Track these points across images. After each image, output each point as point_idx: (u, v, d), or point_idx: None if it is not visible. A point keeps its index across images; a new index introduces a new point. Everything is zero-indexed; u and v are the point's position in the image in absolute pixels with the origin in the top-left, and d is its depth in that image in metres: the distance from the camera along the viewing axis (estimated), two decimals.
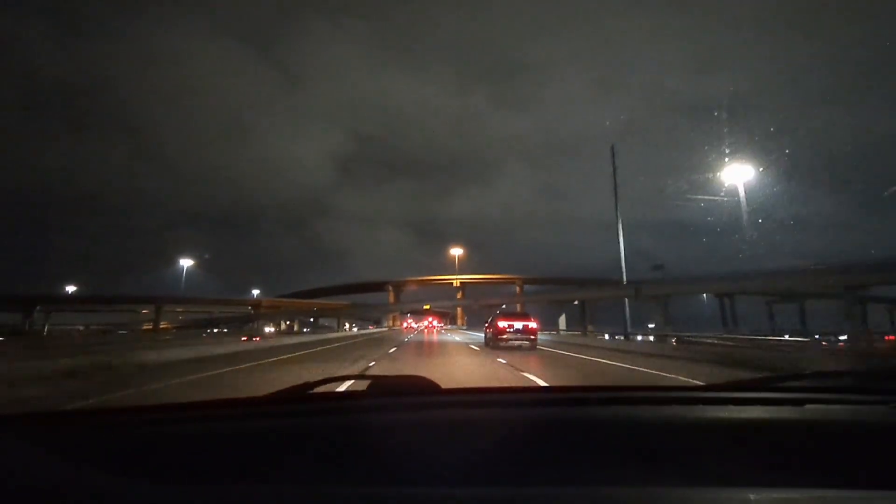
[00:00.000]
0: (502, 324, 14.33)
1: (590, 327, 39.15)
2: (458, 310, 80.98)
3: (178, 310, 70.00)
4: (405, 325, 71.91)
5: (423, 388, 0.98)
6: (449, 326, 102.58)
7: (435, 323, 67.72)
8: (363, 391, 0.95)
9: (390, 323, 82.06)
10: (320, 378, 1.03)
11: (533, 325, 14.48)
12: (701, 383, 1.27)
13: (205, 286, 77.36)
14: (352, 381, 1.12)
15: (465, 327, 64.80)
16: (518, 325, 14.30)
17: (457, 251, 79.51)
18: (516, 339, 14.20)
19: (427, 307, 47.99)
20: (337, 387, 1.18)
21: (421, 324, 71.39)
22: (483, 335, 18.77)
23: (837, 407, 0.90)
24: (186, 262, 67.03)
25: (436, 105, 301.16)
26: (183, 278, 64.54)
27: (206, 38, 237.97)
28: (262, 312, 71.88)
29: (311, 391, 0.96)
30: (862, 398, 0.95)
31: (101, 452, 0.69)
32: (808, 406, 0.87)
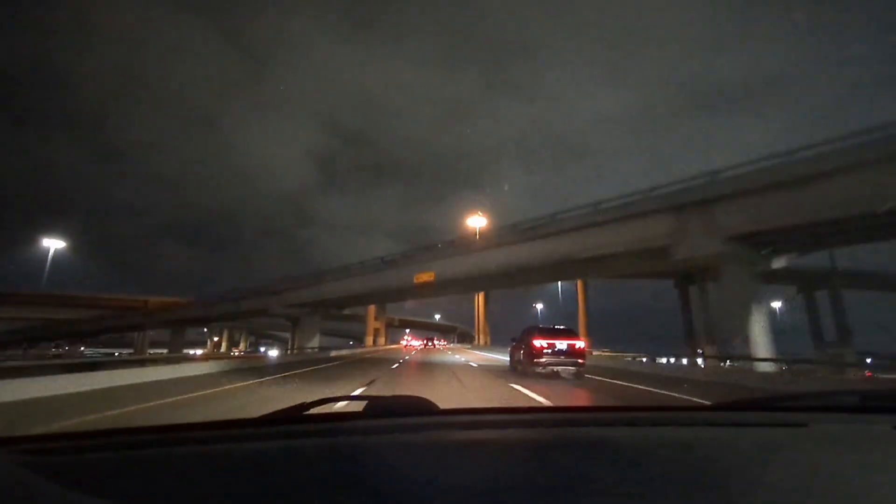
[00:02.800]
0: (539, 342, 11.08)
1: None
2: (479, 317, 53.06)
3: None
4: (404, 343, 66.54)
5: (420, 409, 1.01)
6: (452, 344, 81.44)
7: (435, 342, 60.61)
8: (360, 412, 0.98)
9: (369, 341, 54.87)
10: (316, 399, 1.06)
11: (581, 344, 11.48)
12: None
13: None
14: (348, 402, 1.13)
15: (469, 346, 48.92)
16: (561, 344, 11.09)
17: (477, 221, 51.05)
18: (558, 364, 11.04)
19: (427, 276, 21.75)
20: (333, 407, 1.10)
21: (421, 342, 63.31)
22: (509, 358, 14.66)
23: (840, 427, 0.94)
24: (54, 245, 41.88)
25: (421, 92, 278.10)
26: (47, 267, 39.31)
27: (155, 12, 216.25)
28: (154, 318, 44.39)
29: (306, 412, 0.99)
30: (865, 418, 1.01)
31: (85, 475, 0.68)
32: (810, 426, 0.91)
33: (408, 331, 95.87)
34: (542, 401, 7.12)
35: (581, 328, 49.33)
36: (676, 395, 8.40)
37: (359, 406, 1.01)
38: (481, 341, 52.40)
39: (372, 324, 59.63)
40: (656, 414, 1.04)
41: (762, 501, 0.59)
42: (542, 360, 10.98)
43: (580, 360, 11.21)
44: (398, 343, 74.97)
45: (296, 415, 0.98)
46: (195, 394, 7.40)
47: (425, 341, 61.04)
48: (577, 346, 11.30)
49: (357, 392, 8.10)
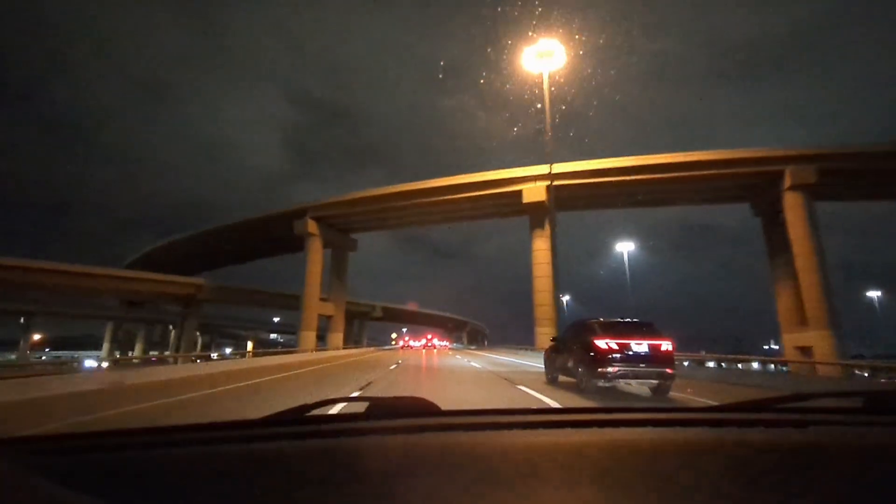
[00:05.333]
0: (604, 343, 7.31)
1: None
2: (540, 285, 22.37)
3: None
4: (400, 344, 57.27)
5: (422, 410, 1.04)
6: (456, 346, 67.36)
7: (436, 342, 51.23)
8: (361, 413, 1.01)
9: (308, 340, 25.16)
10: (317, 400, 1.10)
11: (668, 345, 7.43)
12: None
13: None
14: (350, 403, 1.25)
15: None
16: (638, 345, 7.28)
17: (543, 61, 18.79)
18: (635, 374, 7.17)
19: None
20: (334, 408, 1.25)
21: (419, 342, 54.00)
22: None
23: (841, 429, 0.95)
24: None
25: (404, 57, 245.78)
26: None
27: None
28: None
29: (308, 413, 1.03)
30: (868, 419, 1.02)
31: (86, 476, 0.70)
32: (810, 428, 0.92)
33: (405, 329, 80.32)
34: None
35: (816, 305, 20.84)
36: None
37: (360, 407, 1.05)
38: (542, 336, 23.45)
39: (314, 307, 30.79)
40: (659, 414, 1.06)
41: (763, 502, 0.61)
42: (611, 369, 7.03)
43: (667, 370, 7.21)
44: (383, 346, 58.30)
45: (297, 416, 1.02)
46: None
47: (425, 342, 50.37)
48: (662, 349, 7.28)
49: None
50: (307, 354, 22.86)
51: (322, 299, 32.40)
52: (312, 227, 31.19)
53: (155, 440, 0.88)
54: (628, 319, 8.17)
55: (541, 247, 25.40)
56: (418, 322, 79.32)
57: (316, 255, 31.53)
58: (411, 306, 69.87)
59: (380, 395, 4.33)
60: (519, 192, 25.80)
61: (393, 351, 36.79)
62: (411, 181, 28.73)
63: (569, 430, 0.94)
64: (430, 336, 55.99)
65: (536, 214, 25.83)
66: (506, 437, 0.89)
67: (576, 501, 0.61)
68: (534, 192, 25.36)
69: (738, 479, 0.67)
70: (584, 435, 0.91)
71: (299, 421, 0.99)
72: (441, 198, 28.05)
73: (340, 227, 33.71)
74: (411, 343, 56.03)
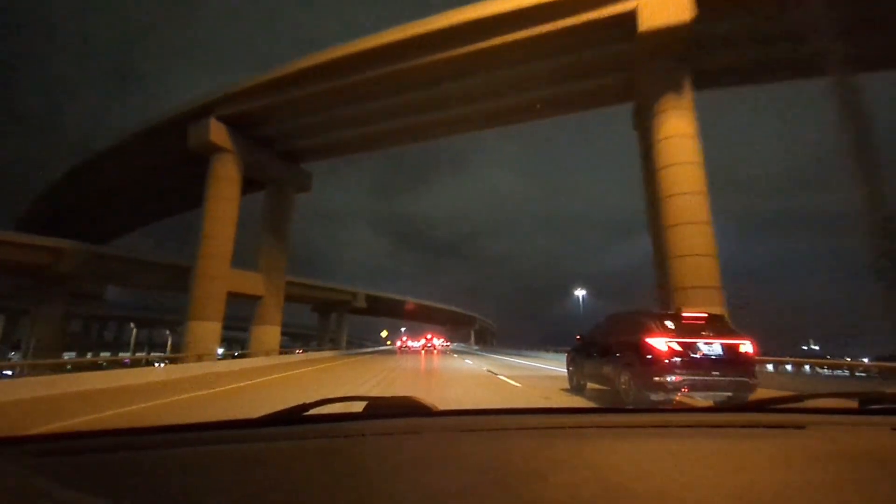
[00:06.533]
0: (662, 342, 5.45)
1: None
2: (689, 244, 6.54)
3: None
4: (399, 344, 54.03)
5: (419, 410, 1.08)
6: (457, 346, 59.17)
7: (436, 341, 45.06)
8: (359, 413, 1.05)
9: (200, 337, 9.30)
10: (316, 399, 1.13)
11: (747, 346, 5.54)
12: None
13: None
14: (348, 403, 1.29)
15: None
16: (709, 346, 5.49)
17: None
18: (706, 383, 5.30)
19: None
20: (332, 407, 1.17)
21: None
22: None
23: (839, 429, 0.99)
24: None
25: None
26: None
27: None
28: None
29: (306, 412, 1.06)
30: (864, 420, 1.06)
31: (86, 475, 0.71)
32: (809, 428, 0.96)
33: (404, 329, 72.75)
34: None
35: None
36: None
37: (359, 406, 1.08)
38: None
39: (220, 277, 17.52)
40: (658, 416, 1.09)
41: (762, 502, 0.61)
42: (673, 377, 5.20)
43: (748, 379, 5.34)
44: (366, 348, 51.59)
45: (296, 415, 1.04)
46: None
47: (424, 342, 44.86)
48: (740, 350, 5.48)
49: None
50: (150, 371, 9.71)
51: (235, 265, 19.04)
52: (219, 134, 17.77)
53: (154, 440, 0.89)
54: (685, 312, 6.10)
55: (679, 131, 12.15)
56: (414, 317, 66.39)
57: (227, 187, 18.09)
58: (408, 303, 56.95)
59: None
60: (630, 17, 12.30)
61: (376, 357, 23.27)
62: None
63: (568, 431, 0.95)
64: (429, 336, 47.49)
65: (663, 66, 12.48)
66: (504, 438, 0.91)
67: (574, 503, 0.60)
68: (666, 7, 11.85)
69: (739, 480, 0.67)
70: (584, 437, 0.92)
71: (297, 420, 1.02)
72: (465, 49, 14.59)
73: (280, 146, 20.13)
74: (409, 343, 52.53)
